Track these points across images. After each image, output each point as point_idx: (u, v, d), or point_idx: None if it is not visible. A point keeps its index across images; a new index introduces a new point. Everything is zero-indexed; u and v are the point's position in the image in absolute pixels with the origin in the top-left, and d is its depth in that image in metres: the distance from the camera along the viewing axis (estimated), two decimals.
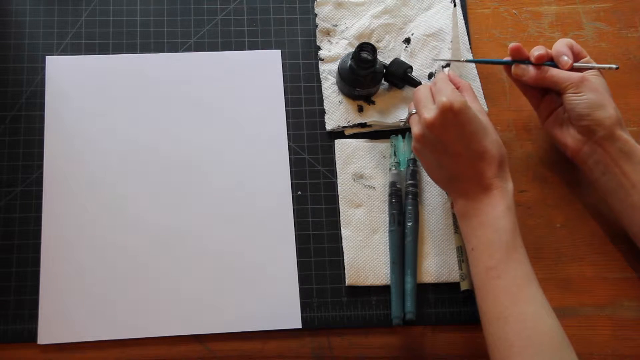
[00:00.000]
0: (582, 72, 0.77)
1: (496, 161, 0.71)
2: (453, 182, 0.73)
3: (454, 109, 0.69)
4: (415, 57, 0.87)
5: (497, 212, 0.69)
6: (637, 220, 0.74)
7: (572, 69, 0.77)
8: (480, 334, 0.77)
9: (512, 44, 0.79)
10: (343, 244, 0.80)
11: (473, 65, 0.87)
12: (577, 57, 0.78)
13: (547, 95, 0.80)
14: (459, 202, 0.72)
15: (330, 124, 0.84)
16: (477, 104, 0.75)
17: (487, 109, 0.85)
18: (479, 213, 0.70)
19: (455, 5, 0.86)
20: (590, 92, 0.75)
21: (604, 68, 0.78)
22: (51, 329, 0.74)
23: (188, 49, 0.86)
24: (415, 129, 0.73)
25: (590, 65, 0.77)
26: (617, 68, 0.77)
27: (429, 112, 0.71)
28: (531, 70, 0.78)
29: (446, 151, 0.71)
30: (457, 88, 0.76)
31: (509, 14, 0.91)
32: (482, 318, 0.68)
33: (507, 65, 0.81)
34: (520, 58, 0.79)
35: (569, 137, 0.78)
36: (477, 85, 0.86)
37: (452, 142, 0.70)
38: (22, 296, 0.76)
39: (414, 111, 0.75)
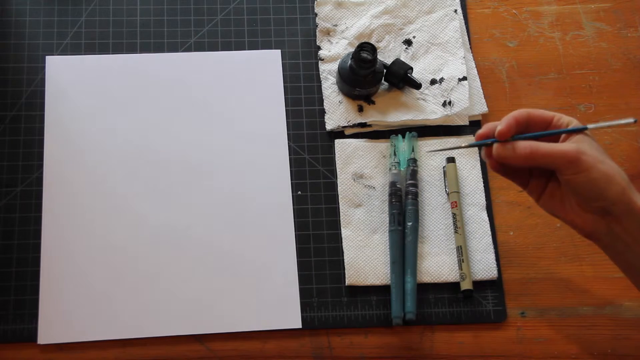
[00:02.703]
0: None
1: None
2: None
3: None
4: (417, 60, 0.87)
5: None
6: None
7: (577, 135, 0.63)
8: (480, 334, 0.78)
9: (479, 131, 0.64)
10: (343, 244, 0.80)
11: (473, 65, 0.87)
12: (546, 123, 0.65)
13: (534, 170, 0.67)
14: None
15: (330, 123, 0.84)
16: None
17: (487, 109, 0.86)
18: None
19: (456, 13, 0.88)
20: (593, 168, 0.60)
21: (620, 124, 0.64)
22: (51, 329, 0.74)
23: (188, 49, 0.86)
24: None
25: (607, 123, 0.64)
26: (635, 122, 0.63)
27: None
28: (520, 147, 0.62)
29: None
30: None
31: (509, 14, 0.91)
32: None
33: (482, 147, 0.66)
34: (490, 137, 0.64)
35: (576, 216, 0.64)
36: (476, 85, 0.86)
37: None
38: (22, 296, 0.76)
39: None
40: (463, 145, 0.70)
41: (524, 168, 0.66)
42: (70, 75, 0.84)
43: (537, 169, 0.65)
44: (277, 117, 0.84)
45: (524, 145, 0.62)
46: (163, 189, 0.80)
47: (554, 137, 0.64)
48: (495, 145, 0.64)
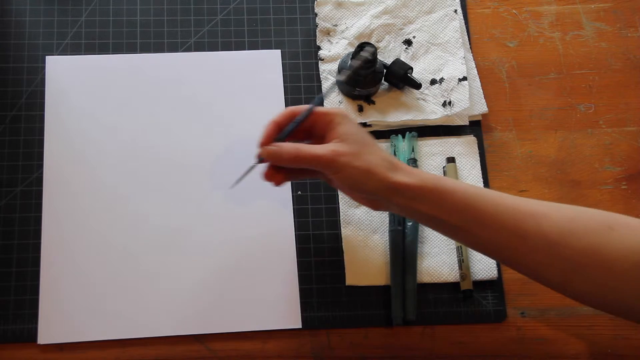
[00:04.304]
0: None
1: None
2: None
3: None
4: (417, 60, 0.87)
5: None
6: (483, 248, 0.69)
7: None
8: (480, 334, 0.78)
9: (257, 154, 0.68)
10: (343, 244, 0.80)
11: (473, 65, 0.87)
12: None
13: None
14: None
15: None
16: None
17: (487, 109, 0.86)
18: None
19: (456, 13, 0.88)
20: (348, 166, 0.66)
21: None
22: (51, 329, 0.74)
23: (188, 49, 0.86)
24: None
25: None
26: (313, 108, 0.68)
27: None
28: (287, 150, 0.67)
29: None
30: None
31: (509, 14, 0.91)
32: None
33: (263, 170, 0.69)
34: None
35: (358, 198, 0.71)
36: (476, 85, 0.86)
37: None
38: (22, 296, 0.76)
39: None
40: (250, 166, 0.70)
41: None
42: (70, 75, 0.84)
43: None
44: None
45: (289, 149, 0.67)
46: (163, 189, 0.80)
47: (320, 138, 0.69)
48: (262, 150, 0.67)
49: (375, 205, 0.71)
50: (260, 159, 0.68)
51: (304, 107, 0.69)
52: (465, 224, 0.66)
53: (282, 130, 0.69)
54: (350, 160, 0.66)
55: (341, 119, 0.68)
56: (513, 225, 0.65)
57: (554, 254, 0.64)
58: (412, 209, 0.67)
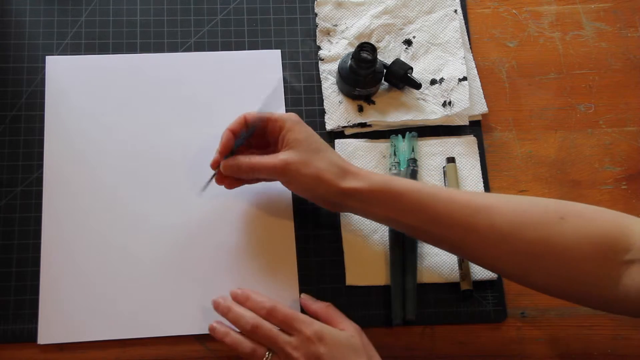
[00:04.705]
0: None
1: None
2: None
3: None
4: (417, 60, 0.87)
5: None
6: (443, 245, 0.71)
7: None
8: (480, 334, 0.78)
9: (213, 160, 0.73)
10: (343, 244, 0.80)
11: (473, 65, 0.87)
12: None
13: None
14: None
15: (330, 123, 0.84)
16: None
17: (487, 109, 0.86)
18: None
19: (456, 13, 0.88)
20: (298, 174, 0.69)
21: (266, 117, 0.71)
22: (51, 329, 0.74)
23: (188, 49, 0.86)
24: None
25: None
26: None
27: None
28: (243, 163, 0.71)
29: None
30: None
31: (509, 14, 0.91)
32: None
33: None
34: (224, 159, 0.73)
35: (316, 201, 0.74)
36: (476, 85, 0.87)
37: None
38: (22, 296, 0.75)
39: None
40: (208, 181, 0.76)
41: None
42: (70, 75, 0.84)
43: None
44: None
45: (245, 161, 0.71)
46: (163, 188, 0.80)
47: (274, 144, 0.73)
48: (222, 164, 0.72)
49: (333, 208, 0.73)
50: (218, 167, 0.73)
51: (256, 113, 0.72)
52: (420, 224, 0.68)
53: (236, 140, 0.72)
54: (299, 168, 0.69)
55: (291, 125, 0.70)
56: (465, 221, 0.66)
57: (507, 247, 0.65)
58: (367, 212, 0.71)
